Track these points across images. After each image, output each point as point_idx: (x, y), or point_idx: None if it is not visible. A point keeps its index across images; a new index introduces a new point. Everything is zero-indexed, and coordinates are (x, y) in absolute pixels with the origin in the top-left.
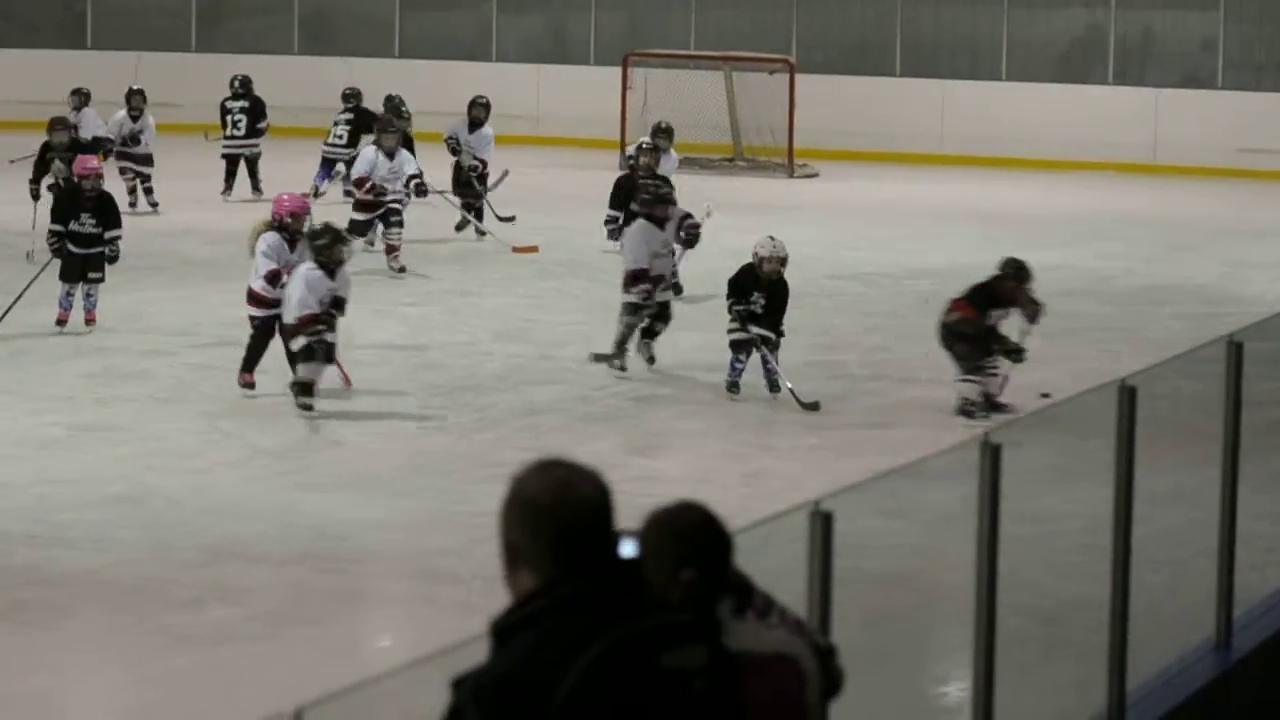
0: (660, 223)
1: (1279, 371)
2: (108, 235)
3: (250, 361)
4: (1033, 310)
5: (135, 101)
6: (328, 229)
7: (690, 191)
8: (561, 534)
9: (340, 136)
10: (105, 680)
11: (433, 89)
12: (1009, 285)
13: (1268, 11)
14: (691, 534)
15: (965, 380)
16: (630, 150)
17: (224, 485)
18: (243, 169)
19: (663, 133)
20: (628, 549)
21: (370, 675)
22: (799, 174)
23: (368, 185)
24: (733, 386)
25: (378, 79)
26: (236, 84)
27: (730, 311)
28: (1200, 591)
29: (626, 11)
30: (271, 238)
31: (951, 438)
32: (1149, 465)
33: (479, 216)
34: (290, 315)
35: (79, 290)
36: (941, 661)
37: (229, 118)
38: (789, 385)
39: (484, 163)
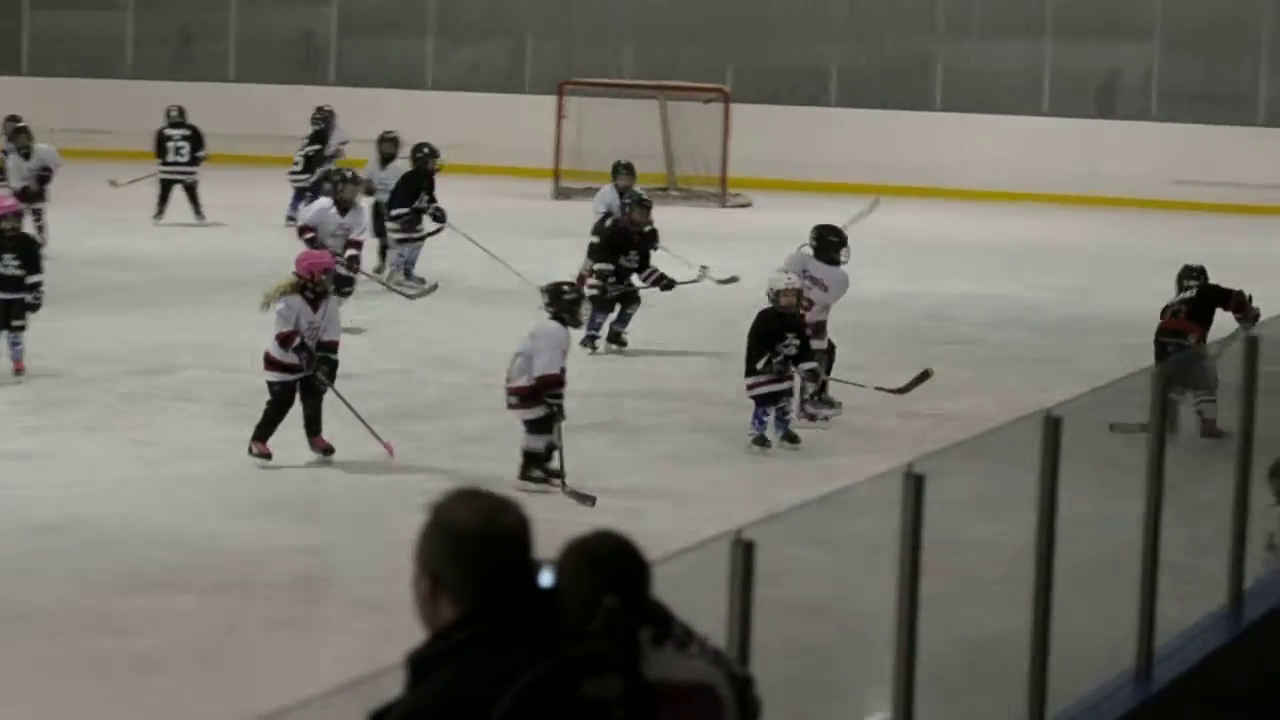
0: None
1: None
2: (29, 280)
3: (265, 430)
4: (1255, 313)
5: (21, 140)
6: (573, 285)
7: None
8: (487, 564)
9: (298, 163)
10: (31, 710)
11: (368, 117)
12: (1236, 292)
13: (1202, 44)
14: (610, 561)
15: (1210, 401)
16: (602, 201)
17: (152, 513)
18: (181, 196)
19: (624, 169)
20: (545, 578)
21: (295, 702)
22: (732, 203)
23: (309, 237)
24: (762, 440)
25: (314, 106)
26: (174, 113)
27: (766, 366)
28: (1122, 622)
29: (562, 40)
30: (294, 300)
31: (886, 466)
32: (1074, 495)
33: (383, 255)
34: (527, 378)
35: (3, 337)
36: (863, 691)
37: (170, 144)
38: (873, 385)
39: None
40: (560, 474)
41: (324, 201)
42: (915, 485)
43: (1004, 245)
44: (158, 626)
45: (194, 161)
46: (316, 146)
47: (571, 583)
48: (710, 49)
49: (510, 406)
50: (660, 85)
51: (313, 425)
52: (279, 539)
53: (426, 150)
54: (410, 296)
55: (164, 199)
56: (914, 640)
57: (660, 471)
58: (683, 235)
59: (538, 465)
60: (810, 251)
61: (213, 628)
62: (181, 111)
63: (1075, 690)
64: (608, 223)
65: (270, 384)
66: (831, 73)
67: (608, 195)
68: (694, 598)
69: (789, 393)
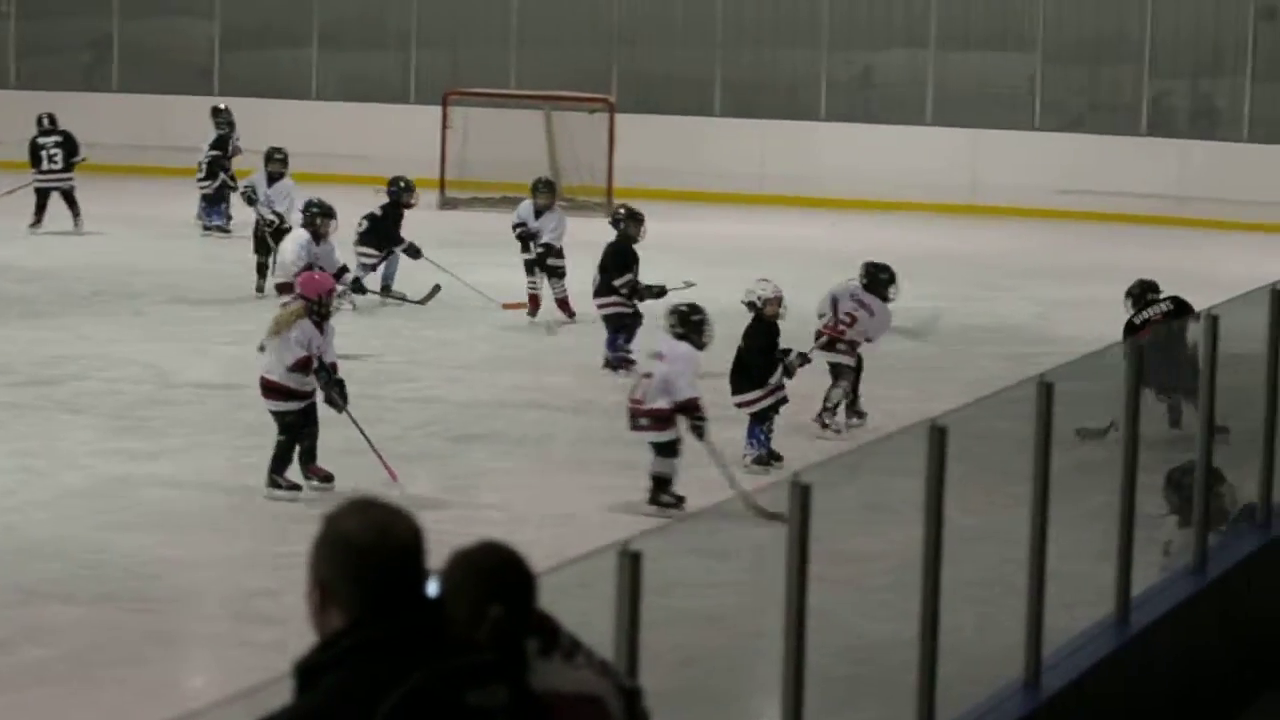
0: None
1: (1089, 412)
2: None
3: (283, 464)
4: None
5: None
6: (697, 307)
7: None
8: (377, 576)
9: (201, 168)
10: None
11: (253, 127)
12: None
13: (1085, 54)
14: (495, 572)
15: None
16: (518, 215)
17: (36, 525)
18: (58, 203)
19: (544, 187)
20: (430, 588)
21: (180, 715)
22: None
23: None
24: (763, 459)
25: (197, 117)
26: (46, 120)
27: (787, 375)
28: (1010, 631)
29: (447, 50)
30: (307, 326)
31: (765, 479)
32: (962, 504)
33: (261, 273)
34: (667, 400)
35: None
36: (752, 701)
37: (44, 153)
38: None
39: (280, 217)
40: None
41: (301, 235)
42: (802, 495)
43: (888, 254)
44: (43, 639)
45: (68, 168)
46: (217, 152)
47: (457, 593)
48: (595, 59)
49: (638, 428)
50: (545, 96)
51: (310, 454)
52: (165, 551)
53: (403, 184)
54: (420, 301)
55: (41, 208)
56: (802, 649)
57: (541, 482)
58: (569, 246)
59: (666, 490)
60: (858, 285)
61: (99, 640)
62: (52, 119)
63: (963, 699)
64: (517, 231)
65: (282, 414)
66: (716, 83)
67: (524, 210)
68: (585, 608)
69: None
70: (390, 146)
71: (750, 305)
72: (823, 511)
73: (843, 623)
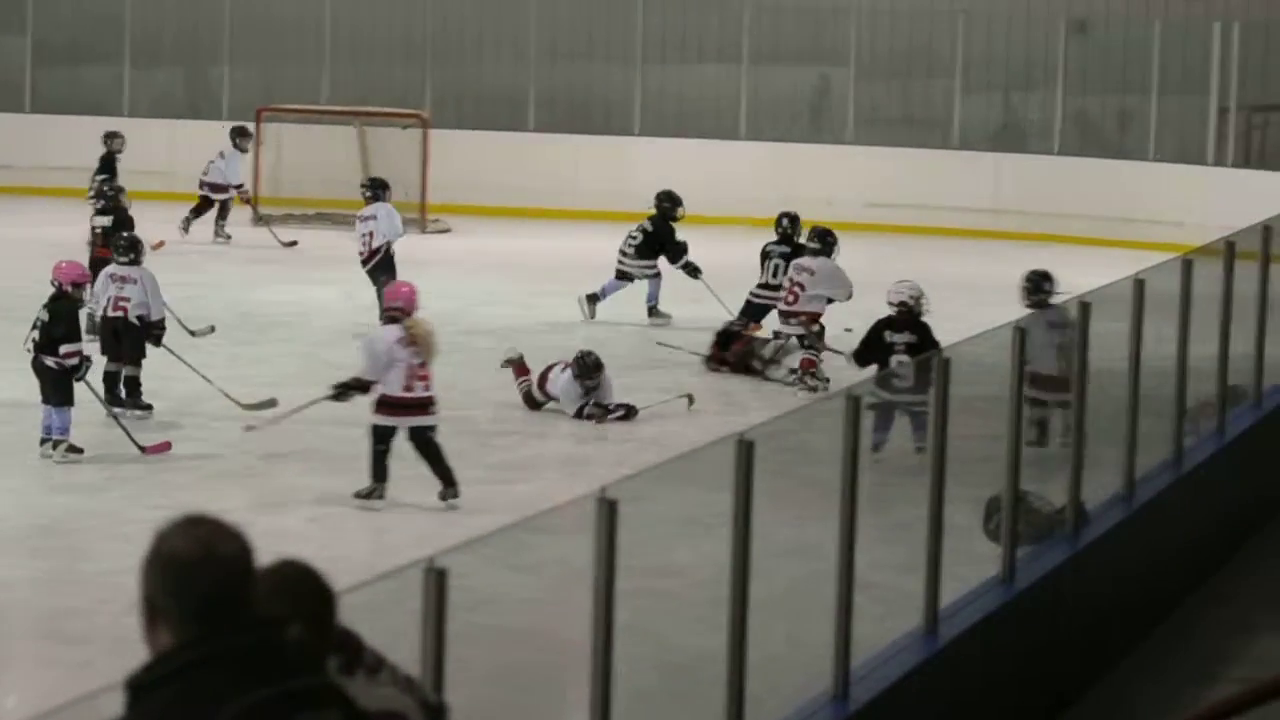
0: None
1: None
2: None
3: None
4: None
5: None
6: None
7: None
8: (203, 594)
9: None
10: None
11: (65, 145)
12: None
13: (896, 68)
14: (293, 589)
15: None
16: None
17: None
18: None
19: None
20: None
21: None
22: (431, 229)
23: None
24: None
25: (8, 135)
26: None
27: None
28: (820, 643)
29: (259, 66)
30: None
31: (581, 491)
32: (774, 518)
33: None
34: None
35: None
36: (561, 717)
37: None
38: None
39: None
40: None
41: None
42: (609, 510)
43: (704, 269)
44: None
45: None
46: (105, 175)
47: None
48: (408, 75)
49: None
50: (358, 111)
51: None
52: None
53: (668, 198)
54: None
55: None
56: (609, 663)
57: (354, 499)
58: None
59: None
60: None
61: None
62: None
63: (771, 712)
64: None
65: None
66: (530, 98)
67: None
68: (393, 624)
69: None
70: (203, 163)
71: (904, 305)
72: (637, 525)
73: (656, 637)
